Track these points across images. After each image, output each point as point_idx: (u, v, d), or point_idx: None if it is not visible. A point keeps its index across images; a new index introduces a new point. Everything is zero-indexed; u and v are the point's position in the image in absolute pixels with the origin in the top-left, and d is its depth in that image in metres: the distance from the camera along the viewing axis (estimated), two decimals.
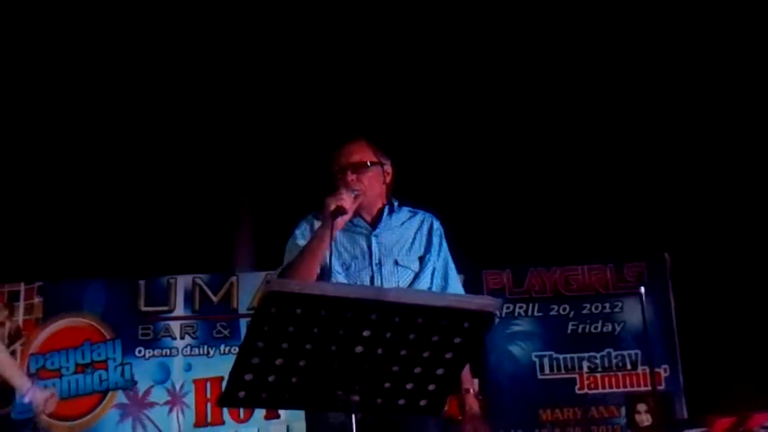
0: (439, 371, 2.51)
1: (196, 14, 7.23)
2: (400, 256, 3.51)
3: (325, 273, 3.36)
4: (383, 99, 7.40)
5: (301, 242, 3.47)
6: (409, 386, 2.52)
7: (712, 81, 7.10)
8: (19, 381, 3.55)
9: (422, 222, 3.64)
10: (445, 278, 3.58)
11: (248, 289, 7.04)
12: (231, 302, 7.04)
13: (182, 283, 7.07)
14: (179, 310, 7.02)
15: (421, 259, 3.54)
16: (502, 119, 7.46)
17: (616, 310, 6.96)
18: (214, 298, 7.05)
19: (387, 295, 2.37)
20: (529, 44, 7.21)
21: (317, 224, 3.43)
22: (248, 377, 2.39)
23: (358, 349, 2.39)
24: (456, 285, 3.60)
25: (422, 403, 2.56)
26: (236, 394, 2.43)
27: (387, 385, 2.50)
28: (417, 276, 3.49)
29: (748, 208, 7.07)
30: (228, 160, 7.86)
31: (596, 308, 6.99)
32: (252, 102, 7.82)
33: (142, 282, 7.06)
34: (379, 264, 3.46)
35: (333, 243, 3.32)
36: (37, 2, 6.79)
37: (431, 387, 2.54)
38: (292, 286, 2.31)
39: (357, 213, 3.49)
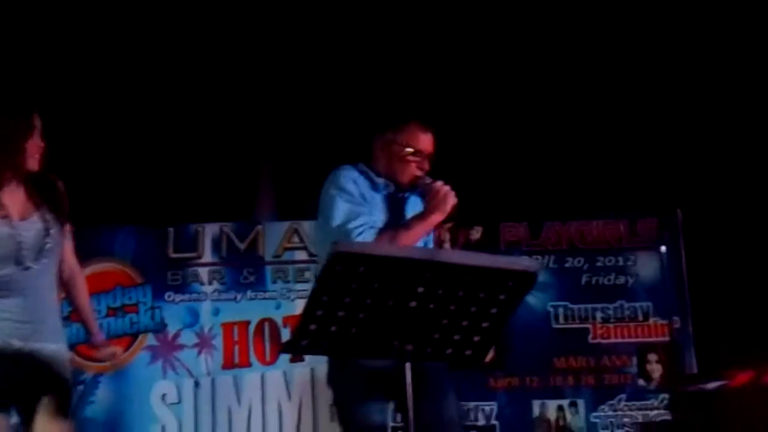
0: (484, 324, 2.76)
1: None
2: None
3: None
4: (399, 54, 7.56)
5: (360, 201, 3.62)
6: (456, 337, 2.77)
7: (726, 39, 7.24)
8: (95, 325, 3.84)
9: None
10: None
11: (273, 237, 7.31)
12: (257, 250, 7.30)
13: (210, 231, 7.32)
14: (207, 256, 7.28)
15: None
16: (521, 76, 7.61)
17: (629, 263, 7.21)
18: (241, 246, 7.30)
19: (440, 256, 2.61)
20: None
21: (361, 181, 3.66)
22: (312, 327, 2.64)
23: (413, 303, 2.63)
24: None
25: (467, 352, 2.82)
26: (300, 342, 2.68)
27: (437, 336, 2.75)
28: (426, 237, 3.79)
29: (760, 166, 7.27)
30: (249, 114, 8.05)
31: (610, 261, 7.24)
32: (271, 56, 7.99)
33: (171, 229, 7.32)
34: None
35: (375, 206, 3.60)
36: None
37: (476, 338, 2.79)
38: (356, 247, 2.55)
39: (395, 181, 3.73)
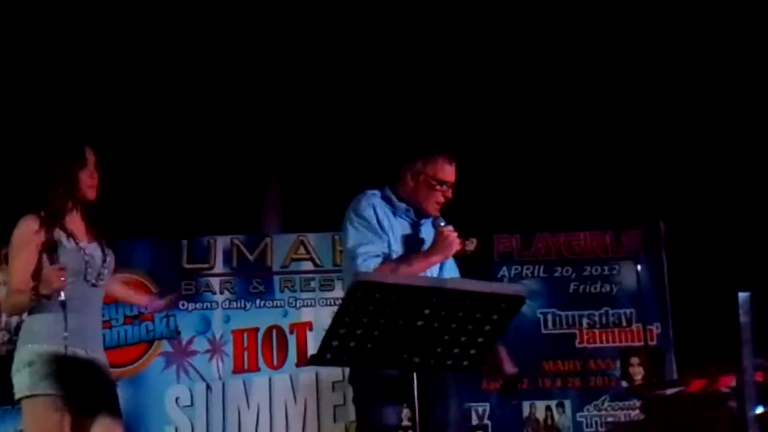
0: (480, 339, 3.23)
1: None
2: None
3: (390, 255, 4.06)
4: (397, 64, 7.97)
5: (375, 227, 4.07)
6: (456, 351, 3.24)
7: (705, 57, 7.67)
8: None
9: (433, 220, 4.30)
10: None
11: (281, 248, 7.78)
12: (265, 261, 7.77)
13: (221, 243, 7.78)
14: (218, 267, 7.74)
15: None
16: (512, 95, 8.06)
17: (614, 272, 7.67)
18: (251, 257, 7.77)
19: (445, 284, 3.09)
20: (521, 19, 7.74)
21: (382, 206, 4.11)
22: (335, 343, 3.11)
23: (420, 323, 3.11)
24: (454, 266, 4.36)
25: (465, 363, 3.29)
26: (325, 356, 3.15)
27: (439, 350, 3.22)
28: (443, 263, 4.23)
29: (736, 183, 7.75)
30: (256, 129, 8.46)
31: (596, 270, 7.69)
32: (282, 72, 8.37)
33: (184, 242, 7.78)
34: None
35: (399, 234, 4.08)
36: None
37: (473, 351, 3.27)
38: (373, 277, 3.03)
39: (415, 208, 4.19)
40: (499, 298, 3.12)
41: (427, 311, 3.08)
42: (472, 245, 7.71)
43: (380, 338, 3.11)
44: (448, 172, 4.16)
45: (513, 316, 3.22)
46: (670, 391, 4.87)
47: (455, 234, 4.02)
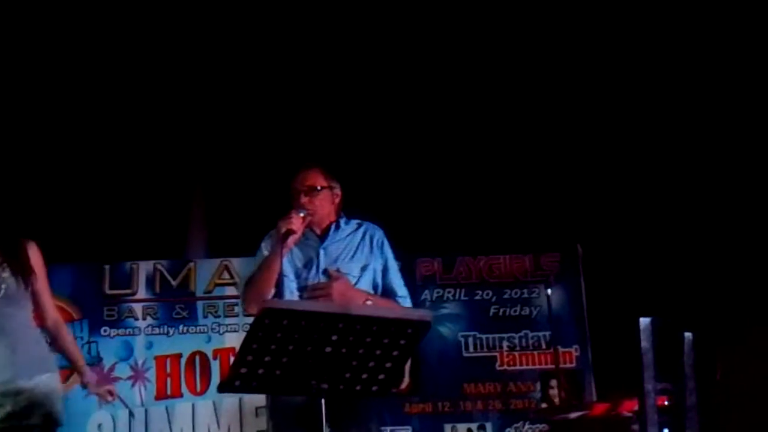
0: (388, 365, 3.30)
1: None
2: (343, 264, 4.27)
3: (281, 279, 4.12)
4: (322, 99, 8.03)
5: (265, 253, 4.24)
6: (364, 376, 3.30)
7: (615, 77, 7.81)
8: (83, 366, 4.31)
9: (365, 234, 4.41)
10: (385, 273, 4.38)
11: (204, 274, 7.79)
12: (189, 286, 7.78)
13: (144, 268, 7.78)
14: (141, 293, 7.73)
15: (363, 268, 4.33)
16: (430, 119, 8.14)
17: (533, 295, 7.80)
18: (174, 283, 7.77)
19: (351, 310, 3.15)
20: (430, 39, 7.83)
21: (270, 237, 4.23)
22: (243, 370, 3.15)
23: (328, 349, 3.16)
24: (394, 277, 4.41)
25: (374, 388, 3.35)
26: (233, 383, 3.19)
27: (348, 375, 3.28)
28: (357, 282, 4.28)
29: (651, 207, 7.92)
30: (180, 154, 8.43)
31: (515, 294, 7.83)
32: (204, 93, 8.36)
33: (106, 267, 7.76)
34: (325, 271, 4.24)
35: (289, 254, 4.10)
36: None
37: (381, 376, 3.33)
38: (281, 304, 3.09)
39: (309, 228, 4.27)
40: (406, 324, 3.19)
41: (334, 337, 3.14)
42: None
43: (288, 365, 3.16)
44: (296, 179, 4.26)
45: (420, 341, 3.29)
46: (573, 415, 4.98)
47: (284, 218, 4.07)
